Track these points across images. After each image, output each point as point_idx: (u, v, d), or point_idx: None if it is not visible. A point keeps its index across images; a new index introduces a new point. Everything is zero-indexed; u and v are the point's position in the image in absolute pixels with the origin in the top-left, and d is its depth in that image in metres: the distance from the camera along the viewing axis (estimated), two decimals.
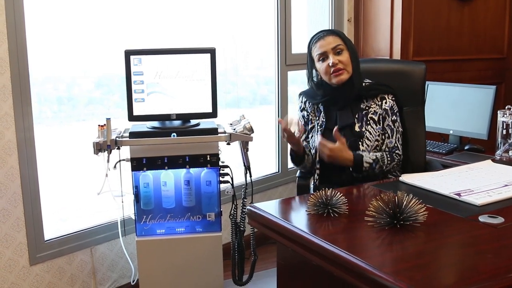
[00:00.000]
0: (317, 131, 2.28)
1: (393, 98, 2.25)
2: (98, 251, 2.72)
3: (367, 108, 2.24)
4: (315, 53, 2.23)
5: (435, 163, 2.50)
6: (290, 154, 2.29)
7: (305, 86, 2.41)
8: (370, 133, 2.21)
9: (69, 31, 2.70)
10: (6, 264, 2.41)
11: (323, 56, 2.20)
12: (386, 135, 2.23)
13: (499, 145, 2.41)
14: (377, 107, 2.23)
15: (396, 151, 2.22)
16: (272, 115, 3.56)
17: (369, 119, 2.22)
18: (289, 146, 2.28)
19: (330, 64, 2.17)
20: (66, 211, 2.86)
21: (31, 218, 2.45)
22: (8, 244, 2.40)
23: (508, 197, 1.71)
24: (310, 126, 2.33)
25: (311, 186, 2.34)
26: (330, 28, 2.31)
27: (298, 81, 3.71)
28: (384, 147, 2.23)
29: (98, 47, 2.80)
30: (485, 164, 2.15)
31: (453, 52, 3.73)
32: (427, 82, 3.21)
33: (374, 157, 2.16)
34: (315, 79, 2.30)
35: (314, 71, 2.29)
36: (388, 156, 2.19)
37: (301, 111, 2.37)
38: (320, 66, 2.22)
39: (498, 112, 2.44)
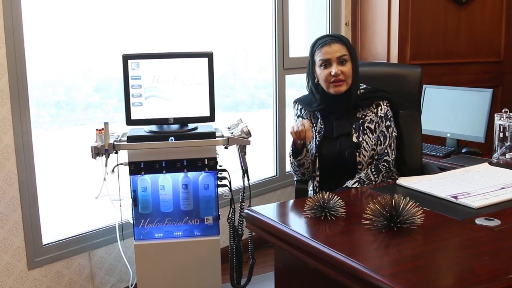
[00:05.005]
0: (315, 138, 2.28)
1: (387, 104, 2.26)
2: (96, 255, 2.72)
3: (363, 117, 2.24)
4: (318, 58, 2.18)
5: (432, 166, 2.51)
6: (291, 147, 2.25)
7: (303, 90, 2.41)
8: (367, 143, 2.21)
9: (68, 35, 2.71)
10: (4, 269, 2.41)
11: (326, 63, 2.16)
12: (379, 141, 2.23)
13: (496, 148, 2.42)
14: (373, 115, 2.24)
15: (385, 158, 2.22)
16: (270, 119, 3.56)
17: (365, 128, 2.22)
18: (287, 145, 2.25)
19: (332, 73, 2.14)
20: (64, 215, 2.86)
21: (29, 222, 2.45)
22: (6, 249, 2.39)
23: (505, 200, 1.72)
24: None
25: (310, 191, 2.34)
26: (337, 34, 2.27)
27: (297, 84, 3.71)
28: (374, 153, 2.23)
29: (97, 51, 2.81)
30: (482, 167, 2.15)
31: (450, 56, 3.74)
32: (424, 86, 3.23)
33: (358, 179, 2.16)
34: (315, 81, 2.26)
35: (313, 74, 2.25)
36: (373, 170, 2.19)
37: (297, 118, 2.37)
38: (320, 72, 2.19)
39: (495, 115, 2.45)
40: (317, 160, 2.25)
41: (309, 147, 2.30)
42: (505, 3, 3.88)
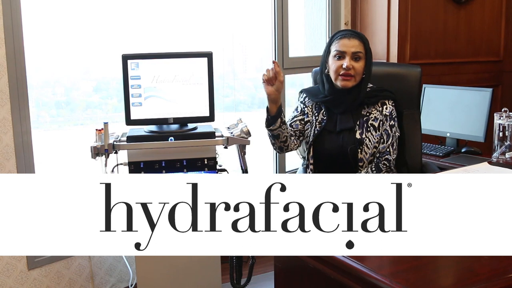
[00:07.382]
0: (315, 127, 2.28)
1: (392, 104, 2.26)
2: (96, 255, 2.72)
3: (368, 114, 2.24)
4: (334, 48, 2.21)
5: (431, 166, 2.51)
6: (266, 115, 2.18)
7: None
8: (370, 140, 2.21)
9: (67, 35, 2.71)
10: (4, 269, 2.41)
11: (340, 55, 2.18)
12: (382, 140, 2.23)
13: (496, 147, 2.42)
14: (378, 113, 2.24)
15: (386, 156, 2.23)
16: None
17: (369, 125, 2.23)
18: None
19: (344, 66, 2.16)
20: None
21: None
22: None
23: None
24: (306, 119, 2.32)
25: None
26: (359, 32, 2.27)
27: (296, 84, 3.71)
28: (376, 151, 2.23)
29: (97, 51, 2.81)
30: (482, 167, 2.16)
31: (450, 55, 3.74)
32: (424, 85, 3.23)
33: None
34: (326, 71, 2.26)
35: (325, 64, 2.26)
36: (373, 169, 2.20)
37: (300, 103, 2.37)
38: (332, 62, 2.21)
39: (495, 114, 2.45)
40: (312, 150, 2.26)
41: (287, 120, 2.25)
42: (504, 3, 3.88)
